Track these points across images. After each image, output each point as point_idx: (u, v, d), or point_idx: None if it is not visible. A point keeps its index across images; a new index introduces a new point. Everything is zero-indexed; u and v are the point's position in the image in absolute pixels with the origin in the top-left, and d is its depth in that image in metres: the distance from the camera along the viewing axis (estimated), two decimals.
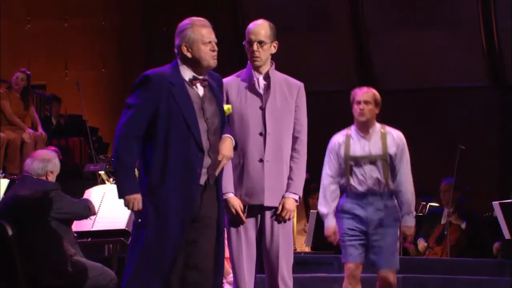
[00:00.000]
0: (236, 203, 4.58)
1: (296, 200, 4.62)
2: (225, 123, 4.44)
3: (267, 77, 4.66)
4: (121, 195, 4.20)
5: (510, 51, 11.24)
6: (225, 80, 4.64)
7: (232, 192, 4.59)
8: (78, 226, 6.17)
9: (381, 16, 12.03)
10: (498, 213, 7.26)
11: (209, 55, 4.28)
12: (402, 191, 5.36)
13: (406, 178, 5.37)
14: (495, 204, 7.29)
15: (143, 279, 4.15)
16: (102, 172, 7.13)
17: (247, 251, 4.59)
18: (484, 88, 11.58)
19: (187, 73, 4.32)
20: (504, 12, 11.29)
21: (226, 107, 4.46)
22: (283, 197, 4.59)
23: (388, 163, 5.36)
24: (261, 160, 4.58)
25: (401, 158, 5.39)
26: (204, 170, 4.27)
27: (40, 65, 12.12)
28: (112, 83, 12.74)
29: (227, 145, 4.37)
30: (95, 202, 6.13)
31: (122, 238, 6.34)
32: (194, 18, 4.36)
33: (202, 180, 4.28)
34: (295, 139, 4.66)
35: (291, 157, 4.64)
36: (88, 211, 5.73)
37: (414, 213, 5.43)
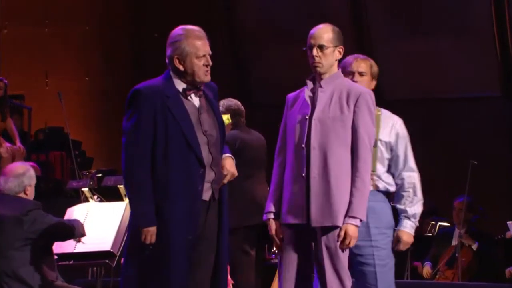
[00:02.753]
0: (272, 226, 4.51)
1: (356, 225, 4.40)
2: (225, 135, 4.39)
3: (325, 83, 4.52)
4: (136, 226, 4.20)
5: None
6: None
7: (273, 212, 4.51)
8: (59, 248, 6.09)
9: (385, 22, 12.02)
10: None
11: (202, 70, 4.25)
12: (402, 185, 4.72)
13: (408, 173, 4.73)
14: (510, 223, 7.26)
15: None
16: (85, 189, 7.05)
17: (287, 274, 4.48)
18: (497, 99, 11.51)
19: (180, 84, 4.30)
20: None
21: (224, 117, 4.43)
22: (344, 223, 4.39)
23: (378, 152, 4.69)
24: (304, 176, 4.44)
25: (401, 150, 4.72)
26: (207, 185, 4.24)
27: (18, 73, 12.04)
28: (96, 94, 12.69)
29: (231, 162, 4.33)
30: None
31: (107, 261, 6.25)
32: (188, 27, 4.31)
33: (207, 196, 4.25)
34: (352, 153, 4.47)
35: (351, 175, 4.44)
36: (73, 231, 5.66)
37: (416, 216, 4.73)
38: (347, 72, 4.72)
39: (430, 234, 9.40)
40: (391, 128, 4.75)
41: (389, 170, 4.75)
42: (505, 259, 8.39)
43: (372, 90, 4.70)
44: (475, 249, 8.32)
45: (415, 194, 4.74)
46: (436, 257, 8.47)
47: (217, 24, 11.76)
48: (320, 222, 4.40)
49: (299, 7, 11.95)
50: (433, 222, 9.58)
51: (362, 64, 4.75)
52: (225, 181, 4.32)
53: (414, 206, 4.74)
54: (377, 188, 4.70)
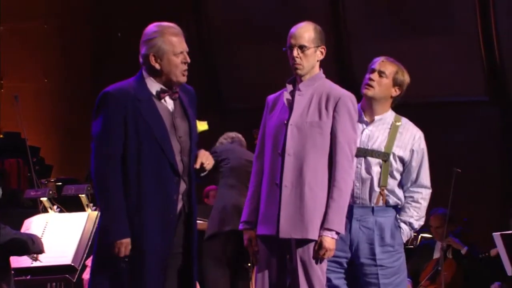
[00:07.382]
0: (246, 237, 4.60)
1: (332, 237, 4.48)
2: (197, 143, 4.44)
3: (304, 86, 4.59)
4: (108, 238, 4.20)
5: None
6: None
7: (248, 221, 4.60)
8: (16, 262, 6.13)
9: (366, 22, 12.04)
10: (500, 245, 7.28)
11: (180, 68, 4.30)
12: (410, 199, 4.85)
13: (418, 189, 4.88)
14: (496, 235, 7.32)
15: None
16: (44, 199, 7.05)
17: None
18: (484, 104, 11.57)
19: (154, 86, 4.34)
20: (504, 18, 11.32)
21: (200, 123, 4.46)
22: (319, 235, 4.48)
23: (390, 167, 4.76)
24: (278, 184, 4.51)
25: (415, 166, 4.86)
26: (179, 197, 4.29)
27: None
28: (55, 97, 12.65)
29: (208, 154, 4.35)
30: (37, 234, 6.05)
31: (67, 276, 6.29)
32: (163, 24, 4.38)
33: (177, 208, 4.30)
34: (332, 162, 4.53)
35: (329, 185, 4.52)
36: (32, 245, 5.65)
37: (414, 225, 4.89)
38: (370, 69, 4.84)
39: (412, 247, 9.43)
40: (408, 143, 4.86)
41: (400, 184, 4.88)
42: (492, 274, 8.44)
43: (391, 97, 4.86)
44: (464, 253, 8.37)
45: (419, 211, 4.91)
46: (416, 272, 8.51)
47: (184, 23, 11.77)
48: (288, 233, 4.48)
49: (273, 4, 11.96)
50: (415, 234, 9.61)
51: (388, 66, 4.86)
52: (198, 164, 4.30)
53: (417, 221, 4.92)
54: (386, 203, 4.81)
